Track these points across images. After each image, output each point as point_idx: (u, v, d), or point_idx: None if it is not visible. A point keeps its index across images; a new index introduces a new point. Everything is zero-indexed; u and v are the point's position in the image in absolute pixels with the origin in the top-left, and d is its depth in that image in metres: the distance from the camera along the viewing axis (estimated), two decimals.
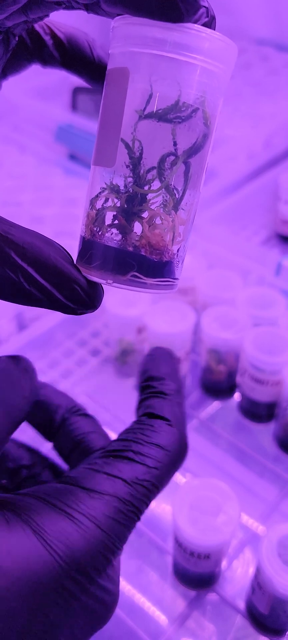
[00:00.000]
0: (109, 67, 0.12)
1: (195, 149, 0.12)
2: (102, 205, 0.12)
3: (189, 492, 0.27)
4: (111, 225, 0.12)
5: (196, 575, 0.28)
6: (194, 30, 0.11)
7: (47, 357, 0.41)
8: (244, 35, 0.76)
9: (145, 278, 0.12)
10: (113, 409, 0.39)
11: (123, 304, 0.37)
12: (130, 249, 0.12)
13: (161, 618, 0.29)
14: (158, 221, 0.12)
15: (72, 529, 0.13)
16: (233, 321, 0.35)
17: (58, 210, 0.48)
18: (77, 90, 0.57)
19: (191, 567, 0.27)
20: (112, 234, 0.12)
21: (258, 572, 0.26)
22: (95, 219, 0.12)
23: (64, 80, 0.66)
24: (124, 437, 0.15)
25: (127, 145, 0.11)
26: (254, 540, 0.31)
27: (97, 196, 0.12)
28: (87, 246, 0.12)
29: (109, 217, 0.12)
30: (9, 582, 0.12)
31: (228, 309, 0.36)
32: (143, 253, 0.12)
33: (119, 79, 0.11)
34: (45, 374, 0.40)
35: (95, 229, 0.12)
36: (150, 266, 0.12)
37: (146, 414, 0.16)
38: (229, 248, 0.43)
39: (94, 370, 0.41)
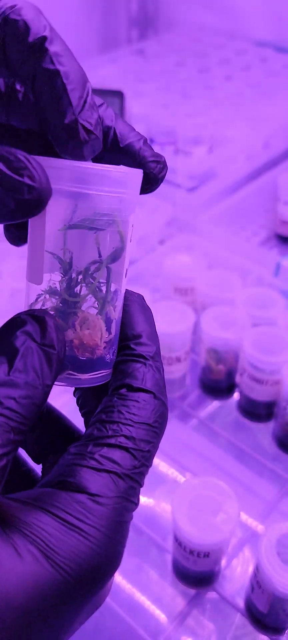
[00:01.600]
0: None
1: (114, 256, 0.14)
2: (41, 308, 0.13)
3: (189, 491, 0.27)
4: None
5: (196, 574, 0.28)
6: (102, 169, 0.13)
7: None
8: (244, 36, 0.76)
9: (79, 375, 0.14)
10: None
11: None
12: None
13: (161, 616, 0.29)
14: (90, 322, 0.14)
15: (83, 546, 0.13)
16: (233, 321, 0.35)
17: None
18: None
19: (191, 565, 0.27)
20: None
21: (257, 571, 0.26)
22: None
23: None
24: (109, 417, 0.14)
25: (56, 257, 0.13)
26: (253, 539, 0.31)
27: (35, 301, 0.14)
28: None
29: None
30: (20, 613, 0.12)
31: (228, 309, 0.36)
32: (76, 354, 0.14)
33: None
34: None
35: None
36: (82, 364, 0.14)
37: (127, 386, 0.14)
38: (229, 248, 0.44)
39: None
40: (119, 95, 0.55)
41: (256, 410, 0.35)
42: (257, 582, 0.26)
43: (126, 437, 0.14)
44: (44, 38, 0.13)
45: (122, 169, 0.13)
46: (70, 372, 0.14)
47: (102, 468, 0.13)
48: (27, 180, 0.12)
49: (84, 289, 0.13)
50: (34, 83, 0.13)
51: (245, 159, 0.54)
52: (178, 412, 0.38)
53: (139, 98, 0.60)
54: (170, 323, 0.35)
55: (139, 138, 0.15)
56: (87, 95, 0.14)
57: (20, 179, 0.12)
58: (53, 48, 0.13)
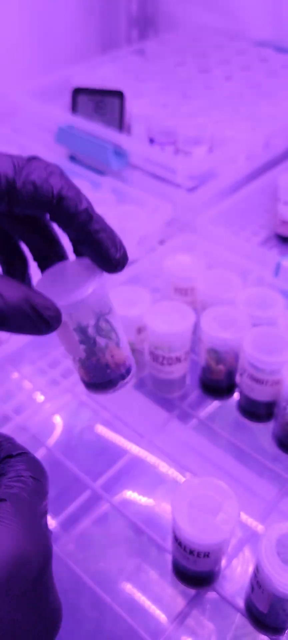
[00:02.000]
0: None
1: (109, 312, 0.24)
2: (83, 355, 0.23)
3: (189, 491, 0.27)
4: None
5: (196, 574, 0.28)
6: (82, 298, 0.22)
7: (48, 357, 0.41)
8: (244, 36, 0.76)
9: (123, 381, 0.25)
10: (112, 409, 0.39)
11: (123, 304, 0.37)
12: (109, 372, 0.24)
13: (161, 616, 0.29)
14: (115, 352, 0.24)
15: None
16: (233, 321, 0.35)
17: None
18: (76, 91, 0.58)
19: (190, 565, 0.27)
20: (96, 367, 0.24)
21: (257, 571, 0.26)
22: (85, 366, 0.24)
23: (64, 81, 0.67)
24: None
25: (80, 338, 0.23)
26: (253, 539, 0.31)
27: (74, 359, 0.24)
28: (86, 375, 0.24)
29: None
30: None
31: (228, 309, 0.36)
32: (117, 372, 0.25)
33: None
34: (45, 373, 0.40)
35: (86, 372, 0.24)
36: (121, 376, 0.25)
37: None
38: (229, 248, 0.44)
39: None
40: (119, 95, 0.55)
41: (256, 410, 0.35)
42: (257, 582, 0.26)
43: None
44: (87, 210, 0.20)
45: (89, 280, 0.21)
46: (119, 383, 0.25)
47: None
48: (49, 318, 0.20)
49: (103, 339, 0.23)
50: (87, 238, 0.20)
51: (245, 159, 0.54)
52: (178, 412, 0.38)
53: (139, 98, 0.60)
54: (170, 323, 0.35)
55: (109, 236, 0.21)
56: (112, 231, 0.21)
57: (46, 318, 0.19)
58: (94, 213, 0.20)
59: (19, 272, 0.23)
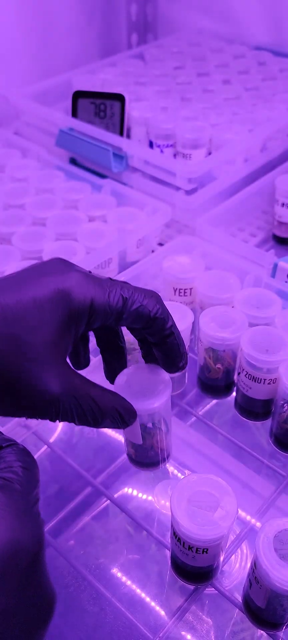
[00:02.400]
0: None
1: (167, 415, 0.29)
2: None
3: (187, 487, 0.28)
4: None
5: (194, 570, 0.28)
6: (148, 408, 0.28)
7: None
8: (242, 40, 0.77)
9: (163, 464, 0.30)
10: None
11: None
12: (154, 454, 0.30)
13: (160, 612, 0.29)
14: (162, 441, 0.30)
15: None
16: (231, 321, 0.36)
17: (59, 213, 0.49)
18: (77, 95, 0.58)
19: (189, 561, 0.27)
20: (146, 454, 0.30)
21: (255, 567, 0.26)
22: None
23: (65, 84, 0.67)
24: None
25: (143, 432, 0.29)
26: (251, 535, 0.31)
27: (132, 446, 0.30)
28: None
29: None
30: None
31: (226, 308, 0.37)
32: (160, 456, 0.30)
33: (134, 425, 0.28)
34: None
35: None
36: (161, 458, 0.30)
37: None
38: (227, 250, 0.44)
39: (96, 369, 0.41)
40: (120, 98, 0.56)
41: (253, 409, 0.36)
42: (255, 578, 0.26)
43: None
44: (171, 327, 0.26)
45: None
46: (159, 466, 0.30)
47: None
48: (128, 422, 0.25)
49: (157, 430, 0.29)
50: (165, 346, 0.26)
51: (243, 161, 0.55)
52: (177, 410, 0.38)
53: (139, 101, 0.61)
54: None
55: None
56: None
57: (127, 421, 0.25)
58: (175, 330, 0.26)
59: (116, 367, 0.29)
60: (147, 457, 0.30)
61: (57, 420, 0.22)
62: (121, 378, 0.29)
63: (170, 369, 0.27)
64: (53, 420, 0.22)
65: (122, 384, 0.29)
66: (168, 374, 0.28)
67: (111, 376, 0.30)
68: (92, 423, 0.23)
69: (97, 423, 0.23)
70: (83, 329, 0.24)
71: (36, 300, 0.22)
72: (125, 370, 0.29)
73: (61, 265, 0.24)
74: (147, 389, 0.28)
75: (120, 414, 0.24)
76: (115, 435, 0.38)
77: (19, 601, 0.17)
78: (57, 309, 0.22)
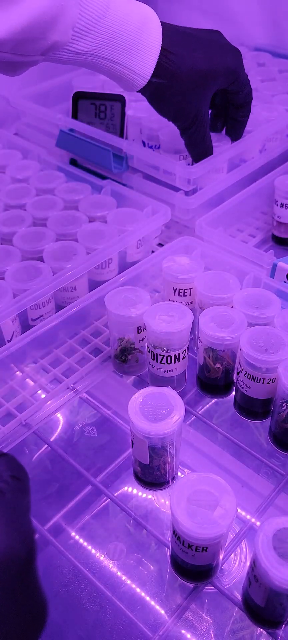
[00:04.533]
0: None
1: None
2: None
3: (187, 486, 0.28)
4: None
5: (194, 568, 0.28)
6: None
7: (50, 356, 0.42)
8: (242, 41, 0.77)
9: (167, 485, 0.32)
10: (113, 406, 0.39)
11: (123, 304, 0.38)
12: (159, 475, 0.32)
13: (160, 610, 0.29)
14: (169, 463, 0.31)
15: None
16: (230, 321, 0.36)
17: (60, 213, 0.49)
18: (77, 96, 0.58)
19: (189, 559, 0.28)
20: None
21: (254, 565, 0.26)
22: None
23: (65, 85, 0.68)
24: None
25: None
26: (251, 533, 0.31)
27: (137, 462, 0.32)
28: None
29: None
30: None
31: (225, 308, 0.37)
32: (164, 476, 0.32)
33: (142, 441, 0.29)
34: (47, 372, 0.41)
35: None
36: (167, 480, 0.32)
37: None
38: (226, 250, 0.44)
39: (95, 369, 0.41)
40: (120, 99, 0.56)
41: (253, 408, 0.36)
42: (254, 576, 0.26)
43: None
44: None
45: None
46: (164, 486, 0.32)
47: None
48: None
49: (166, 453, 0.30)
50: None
51: (242, 162, 0.55)
52: None
53: (139, 102, 0.61)
54: (170, 323, 0.35)
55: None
56: None
57: None
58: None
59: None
60: (152, 477, 0.31)
61: None
62: (136, 398, 0.30)
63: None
64: None
65: (136, 404, 0.30)
66: (181, 400, 0.31)
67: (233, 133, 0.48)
68: None
69: None
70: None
71: None
72: (141, 391, 0.31)
73: None
74: (160, 412, 0.29)
75: None
76: (116, 434, 0.38)
77: (10, 609, 0.17)
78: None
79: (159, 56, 0.40)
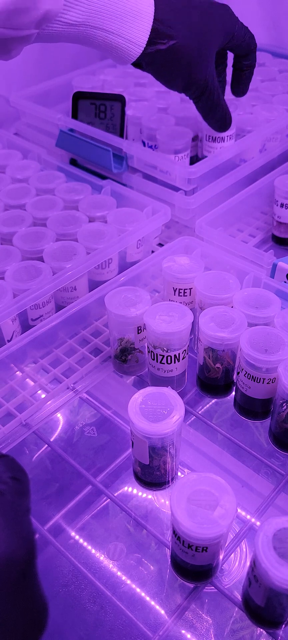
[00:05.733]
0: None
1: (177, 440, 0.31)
2: None
3: (187, 486, 0.28)
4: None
5: (194, 568, 0.28)
6: None
7: (50, 356, 0.42)
8: None
9: (167, 485, 0.32)
10: (113, 406, 0.39)
11: (123, 304, 0.38)
12: (159, 475, 0.32)
13: (160, 610, 0.29)
14: (169, 463, 0.31)
15: None
16: (230, 321, 0.36)
17: (60, 213, 0.49)
18: (77, 95, 0.58)
19: (189, 559, 0.28)
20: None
21: (254, 565, 0.26)
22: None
23: (65, 85, 0.68)
24: None
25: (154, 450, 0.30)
26: (251, 533, 0.31)
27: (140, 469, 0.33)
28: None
29: None
30: None
31: (225, 308, 0.37)
32: (164, 476, 0.32)
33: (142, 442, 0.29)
34: (47, 372, 0.41)
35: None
36: (167, 481, 0.32)
37: None
38: (226, 250, 0.44)
39: (95, 369, 0.41)
40: (120, 99, 0.56)
41: (253, 408, 0.36)
42: (254, 577, 0.26)
43: None
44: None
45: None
46: (164, 486, 0.32)
47: None
48: None
49: (166, 453, 0.31)
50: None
51: (242, 162, 0.55)
52: None
53: (139, 102, 0.61)
54: (169, 323, 0.35)
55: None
56: None
57: None
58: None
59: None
60: (152, 477, 0.31)
61: None
62: (136, 398, 0.30)
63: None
64: None
65: (136, 404, 0.30)
66: (181, 400, 0.31)
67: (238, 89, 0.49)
68: None
69: None
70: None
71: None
72: (141, 391, 0.31)
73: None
74: (161, 413, 0.29)
75: None
76: (116, 434, 0.38)
77: (10, 611, 0.17)
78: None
79: (154, 21, 0.39)
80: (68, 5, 0.36)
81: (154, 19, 0.40)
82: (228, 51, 0.48)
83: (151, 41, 0.40)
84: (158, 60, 0.41)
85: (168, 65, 0.42)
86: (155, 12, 0.40)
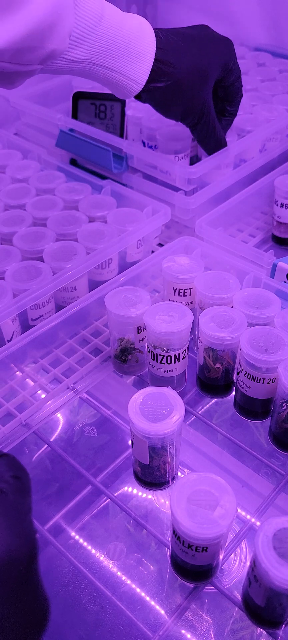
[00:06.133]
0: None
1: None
2: None
3: (187, 486, 0.28)
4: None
5: (194, 568, 0.28)
6: None
7: (50, 356, 0.42)
8: (242, 41, 0.78)
9: (167, 485, 0.32)
10: (113, 406, 0.39)
11: (123, 304, 0.38)
12: (159, 475, 0.32)
13: (160, 610, 0.29)
14: (169, 462, 0.31)
15: None
16: (230, 321, 0.36)
17: (60, 213, 0.49)
18: (77, 96, 0.58)
19: (189, 559, 0.28)
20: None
21: (254, 565, 0.26)
22: None
23: (65, 85, 0.68)
24: None
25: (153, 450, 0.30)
26: (251, 533, 0.31)
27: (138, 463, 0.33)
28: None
29: None
30: None
31: (225, 308, 0.37)
32: (169, 475, 0.32)
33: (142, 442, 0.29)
34: (47, 372, 0.41)
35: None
36: (167, 481, 0.32)
37: None
38: (226, 250, 0.44)
39: (95, 369, 0.41)
40: (120, 100, 0.56)
41: (253, 408, 0.36)
42: (254, 577, 0.26)
43: None
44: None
45: None
46: (164, 486, 0.32)
47: None
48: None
49: (166, 453, 0.31)
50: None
51: (242, 162, 0.55)
52: None
53: (139, 102, 0.61)
54: (169, 323, 0.35)
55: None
56: None
57: None
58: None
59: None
60: (152, 477, 0.31)
61: None
62: (136, 398, 0.30)
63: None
64: None
65: (136, 404, 0.30)
66: (181, 400, 0.31)
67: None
68: None
69: None
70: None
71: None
72: (141, 391, 0.31)
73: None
74: (161, 413, 0.29)
75: None
76: (116, 434, 0.38)
77: (12, 610, 0.17)
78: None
79: (155, 61, 0.41)
80: (73, 43, 0.37)
81: (155, 59, 0.41)
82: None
83: (151, 79, 0.42)
84: (157, 95, 0.44)
85: (168, 99, 0.44)
86: (156, 53, 0.41)
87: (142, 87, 0.42)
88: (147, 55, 0.41)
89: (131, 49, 0.40)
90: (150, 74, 0.41)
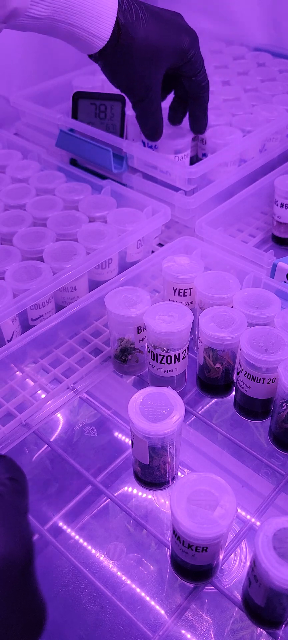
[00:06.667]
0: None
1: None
2: None
3: (187, 486, 0.28)
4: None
5: (194, 568, 0.28)
6: None
7: (50, 356, 0.42)
8: (242, 41, 0.78)
9: (167, 485, 0.32)
10: (113, 406, 0.39)
11: (123, 304, 0.38)
12: (159, 475, 0.32)
13: (160, 610, 0.29)
14: (169, 462, 0.31)
15: None
16: (230, 321, 0.36)
17: (60, 214, 0.49)
18: (77, 95, 0.58)
19: (189, 559, 0.28)
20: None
21: (254, 565, 0.26)
22: None
23: (65, 85, 0.68)
24: None
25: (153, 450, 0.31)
26: (251, 533, 0.31)
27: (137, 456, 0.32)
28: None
29: None
30: None
31: (225, 308, 0.37)
32: (169, 475, 0.32)
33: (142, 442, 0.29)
34: (47, 372, 0.41)
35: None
36: (167, 481, 0.32)
37: None
38: (226, 250, 0.44)
39: (95, 369, 0.41)
40: (120, 99, 0.56)
41: (253, 408, 0.36)
42: (254, 577, 0.26)
43: None
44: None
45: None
46: (164, 486, 0.32)
47: None
48: None
49: (166, 453, 0.31)
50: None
51: (242, 162, 0.55)
52: None
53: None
54: (169, 323, 0.36)
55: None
56: None
57: None
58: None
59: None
60: (152, 477, 0.31)
61: None
62: (136, 398, 0.30)
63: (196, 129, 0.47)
64: None
65: (136, 404, 0.30)
66: (181, 400, 0.31)
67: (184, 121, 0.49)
68: None
69: None
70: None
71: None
72: (141, 391, 0.31)
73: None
74: (161, 413, 0.29)
75: None
76: (116, 434, 0.38)
77: (9, 613, 0.17)
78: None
79: (115, 23, 0.41)
80: (34, 1, 0.37)
81: (116, 20, 0.41)
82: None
83: (110, 42, 0.41)
84: (112, 60, 0.43)
85: (115, 65, 0.43)
86: (118, 14, 0.41)
87: (105, 43, 0.42)
88: (109, 14, 0.41)
89: (92, 7, 0.40)
90: (112, 32, 0.41)
